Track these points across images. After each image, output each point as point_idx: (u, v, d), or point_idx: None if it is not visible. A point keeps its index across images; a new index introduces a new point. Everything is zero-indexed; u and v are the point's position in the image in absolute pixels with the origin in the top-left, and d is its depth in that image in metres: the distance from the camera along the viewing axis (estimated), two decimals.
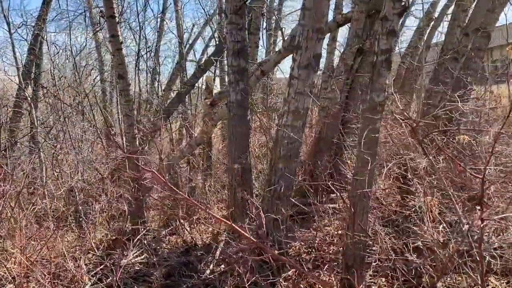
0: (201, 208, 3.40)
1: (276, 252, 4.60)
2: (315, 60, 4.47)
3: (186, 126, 12.30)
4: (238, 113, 6.36)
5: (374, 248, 4.15)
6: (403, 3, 3.42)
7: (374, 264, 4.25)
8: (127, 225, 7.43)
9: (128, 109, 7.90)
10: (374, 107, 3.50)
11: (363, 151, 3.54)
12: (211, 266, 5.38)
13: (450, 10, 11.53)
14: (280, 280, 4.69)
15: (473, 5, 7.46)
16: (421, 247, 3.87)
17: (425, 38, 11.83)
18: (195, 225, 7.64)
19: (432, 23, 11.89)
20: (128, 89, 7.90)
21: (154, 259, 5.95)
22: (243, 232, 3.13)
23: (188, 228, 7.58)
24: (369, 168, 3.50)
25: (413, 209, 3.97)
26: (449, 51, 7.17)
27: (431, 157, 3.61)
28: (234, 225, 3.08)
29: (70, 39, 11.12)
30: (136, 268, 5.91)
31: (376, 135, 3.51)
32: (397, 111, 4.20)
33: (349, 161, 7.54)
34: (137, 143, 8.07)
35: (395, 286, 4.09)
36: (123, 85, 7.81)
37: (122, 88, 7.83)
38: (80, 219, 7.31)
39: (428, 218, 3.75)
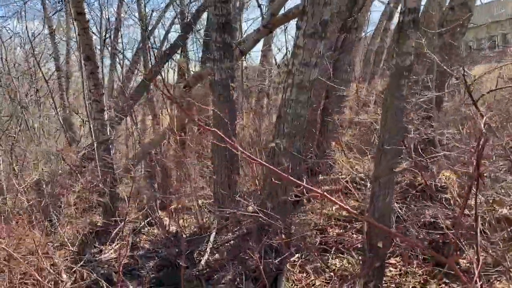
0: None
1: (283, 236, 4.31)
2: (322, 27, 4.15)
3: (154, 114, 11.77)
4: (224, 93, 5.96)
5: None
6: None
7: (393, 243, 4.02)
8: (101, 218, 6.92)
9: (97, 94, 7.32)
10: (400, 73, 3.23)
11: (387, 122, 3.28)
12: (205, 256, 4.99)
13: None
14: (287, 266, 4.39)
15: None
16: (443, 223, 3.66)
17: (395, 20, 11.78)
18: (175, 216, 7.21)
19: None
20: (96, 72, 7.30)
21: (141, 252, 5.50)
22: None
23: (168, 219, 7.16)
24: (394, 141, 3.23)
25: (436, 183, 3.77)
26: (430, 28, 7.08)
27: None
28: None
29: (26, 26, 10.23)
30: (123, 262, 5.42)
31: (403, 103, 3.25)
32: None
33: (334, 143, 7.32)
34: (108, 130, 7.51)
35: (414, 265, 3.89)
36: (91, 67, 7.21)
37: (90, 71, 7.22)
38: (50, 213, 6.70)
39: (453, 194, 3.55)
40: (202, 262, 4.91)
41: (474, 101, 2.98)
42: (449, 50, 6.51)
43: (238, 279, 4.20)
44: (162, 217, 7.34)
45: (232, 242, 5.35)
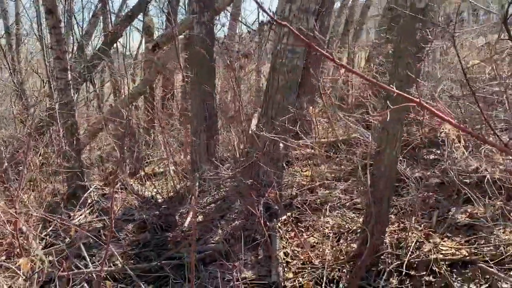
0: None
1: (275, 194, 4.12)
2: None
3: (113, 80, 11.17)
4: (203, 48, 5.63)
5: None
6: None
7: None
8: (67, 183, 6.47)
9: (60, 51, 6.75)
10: (415, 15, 3.06)
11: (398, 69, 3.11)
12: (188, 218, 4.74)
13: None
14: (278, 224, 4.22)
15: None
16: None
17: None
18: (145, 181, 6.89)
19: None
20: (59, 26, 6.72)
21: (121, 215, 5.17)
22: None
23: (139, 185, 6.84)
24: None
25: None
26: None
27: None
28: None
29: None
30: (97, 226, 5.09)
31: (416, 49, 3.09)
32: None
33: (311, 107, 7.17)
34: (71, 90, 6.98)
35: (413, 221, 3.81)
36: (53, 21, 6.63)
37: (52, 26, 6.64)
38: (11, 178, 6.21)
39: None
40: (186, 223, 4.66)
41: None
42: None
43: (230, 239, 4.00)
44: (132, 183, 7.00)
45: (214, 204, 5.12)
